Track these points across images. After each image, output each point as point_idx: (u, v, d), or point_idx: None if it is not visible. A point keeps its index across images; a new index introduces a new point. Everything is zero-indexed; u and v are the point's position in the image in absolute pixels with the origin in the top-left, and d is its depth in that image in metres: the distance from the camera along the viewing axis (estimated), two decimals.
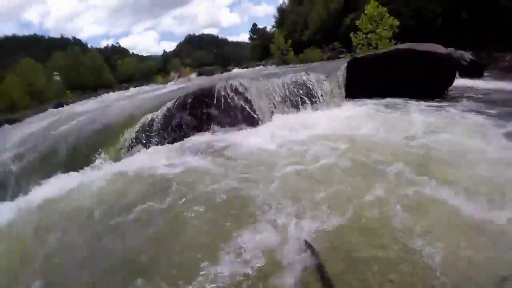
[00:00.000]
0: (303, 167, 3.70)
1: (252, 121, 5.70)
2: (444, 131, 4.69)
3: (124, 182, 3.82)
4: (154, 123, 5.18)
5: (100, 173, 4.21)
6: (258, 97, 6.04)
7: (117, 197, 3.51)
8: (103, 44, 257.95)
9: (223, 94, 5.48)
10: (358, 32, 19.11)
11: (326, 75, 7.12)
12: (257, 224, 2.72)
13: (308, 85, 6.59)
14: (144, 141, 5.03)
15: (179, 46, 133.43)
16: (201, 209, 3.02)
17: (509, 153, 3.75)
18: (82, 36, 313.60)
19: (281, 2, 60.55)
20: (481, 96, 7.38)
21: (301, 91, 6.55)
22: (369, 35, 18.56)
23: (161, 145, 5.07)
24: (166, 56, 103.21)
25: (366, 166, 3.61)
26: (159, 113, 5.29)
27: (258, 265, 2.29)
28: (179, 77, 32.89)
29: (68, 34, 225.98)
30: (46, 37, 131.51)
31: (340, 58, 22.21)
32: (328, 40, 33.95)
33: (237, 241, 2.54)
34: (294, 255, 2.33)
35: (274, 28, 54.17)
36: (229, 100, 5.59)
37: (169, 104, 5.40)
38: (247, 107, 5.76)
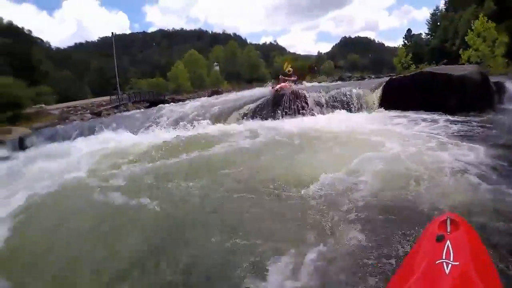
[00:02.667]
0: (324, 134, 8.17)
1: (305, 114, 12.00)
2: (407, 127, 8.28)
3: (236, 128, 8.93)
4: (252, 109, 10.85)
5: (230, 126, 9.31)
6: (312, 102, 12.08)
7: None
8: (262, 40, 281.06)
9: (290, 99, 12.09)
10: (468, 49, 20.94)
11: (370, 90, 11.12)
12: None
13: (348, 96, 11.75)
14: (247, 116, 11.17)
15: (334, 48, 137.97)
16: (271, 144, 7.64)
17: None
18: (242, 32, 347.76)
19: (441, 5, 58.28)
20: None
21: (342, 100, 11.99)
22: (477, 52, 20.25)
23: (253, 120, 11.33)
24: (320, 57, 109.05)
25: (350, 136, 7.71)
26: (253, 105, 11.90)
27: None
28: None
29: (229, 30, 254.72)
30: (210, 32, 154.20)
31: None
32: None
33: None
34: None
35: (428, 36, 53.51)
36: (292, 102, 12.00)
37: (261, 100, 11.19)
38: (305, 107, 12.01)
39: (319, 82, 41.68)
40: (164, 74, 61.39)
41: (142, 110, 25.90)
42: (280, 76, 14.14)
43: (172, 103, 29.25)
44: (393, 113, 10.64)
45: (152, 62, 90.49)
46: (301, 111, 12.07)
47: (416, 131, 8.03)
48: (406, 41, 71.91)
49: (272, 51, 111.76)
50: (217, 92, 44.48)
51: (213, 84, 60.80)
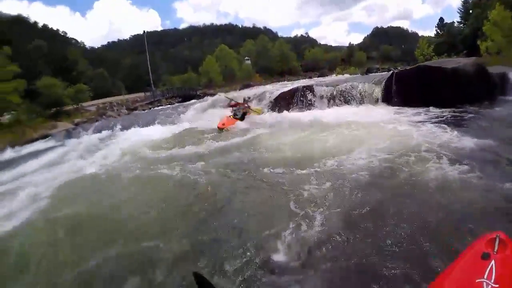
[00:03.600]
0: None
1: (311, 107, 13.37)
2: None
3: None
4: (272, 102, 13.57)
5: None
6: (319, 97, 13.47)
7: None
8: (293, 33, 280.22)
9: (301, 93, 13.53)
10: (486, 39, 21.09)
11: (374, 84, 12.78)
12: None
13: (352, 91, 13.07)
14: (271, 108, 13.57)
15: (366, 39, 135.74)
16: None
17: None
18: (273, 25, 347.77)
19: None
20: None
21: (347, 95, 13.11)
22: (494, 42, 20.39)
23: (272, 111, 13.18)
24: (351, 48, 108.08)
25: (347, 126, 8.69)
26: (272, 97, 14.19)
27: None
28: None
29: (260, 24, 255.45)
30: (240, 26, 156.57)
31: None
32: None
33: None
34: None
35: (461, 24, 51.69)
36: (302, 97, 13.51)
37: (276, 93, 14.05)
38: (312, 100, 13.41)
39: (350, 74, 42.04)
40: (196, 69, 62.95)
41: (175, 104, 27.28)
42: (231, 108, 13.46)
43: (204, 97, 30.77)
44: (391, 108, 11.60)
45: (183, 58, 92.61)
46: (308, 106, 13.59)
47: (407, 128, 8.48)
48: (438, 30, 69.85)
49: (303, 44, 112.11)
50: (248, 86, 45.72)
51: (244, 78, 62.05)
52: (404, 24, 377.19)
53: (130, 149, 9.37)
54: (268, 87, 21.64)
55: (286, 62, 78.38)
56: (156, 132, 12.50)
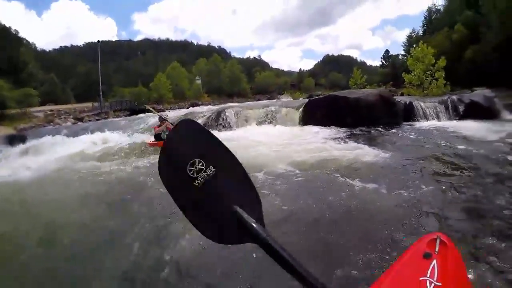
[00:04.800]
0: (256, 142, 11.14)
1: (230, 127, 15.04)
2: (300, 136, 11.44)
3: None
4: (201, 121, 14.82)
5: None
6: (237, 117, 15.47)
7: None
8: (247, 54, 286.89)
9: (227, 115, 15.46)
10: (410, 73, 23.81)
11: (295, 108, 15.23)
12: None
13: (274, 113, 15.27)
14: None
15: (316, 66, 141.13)
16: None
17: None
18: (228, 45, 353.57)
19: (418, 28, 60.65)
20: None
21: (269, 116, 15.21)
22: (420, 75, 22.94)
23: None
24: (301, 74, 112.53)
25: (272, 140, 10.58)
26: (203, 119, 15.65)
27: None
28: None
29: (216, 43, 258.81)
30: (195, 43, 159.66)
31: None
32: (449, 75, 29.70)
33: None
34: None
35: (405, 57, 55.87)
36: (227, 118, 15.42)
37: (208, 114, 15.94)
38: (230, 121, 15.26)
39: (293, 98, 44.87)
40: (148, 83, 63.47)
41: (121, 118, 27.98)
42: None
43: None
44: (307, 127, 13.56)
45: (136, 71, 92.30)
46: (229, 126, 15.26)
47: (315, 138, 10.94)
48: (384, 61, 74.37)
49: (254, 66, 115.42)
50: (196, 104, 47.36)
51: (194, 97, 63.51)
52: (354, 54, 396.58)
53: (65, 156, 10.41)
54: (206, 108, 23.44)
55: (236, 84, 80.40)
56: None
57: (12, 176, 8.23)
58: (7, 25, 60.65)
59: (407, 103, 14.81)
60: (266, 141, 10.55)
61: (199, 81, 74.75)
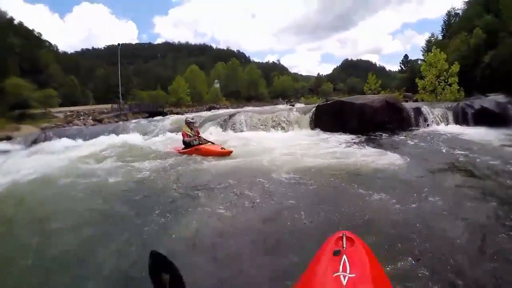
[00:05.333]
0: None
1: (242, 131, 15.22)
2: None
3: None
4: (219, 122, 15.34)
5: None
6: (252, 124, 15.55)
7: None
8: (267, 58, 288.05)
9: (238, 119, 15.49)
10: (423, 79, 23.69)
11: (303, 114, 15.40)
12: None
13: (284, 118, 15.37)
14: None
15: (335, 70, 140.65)
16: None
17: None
18: (247, 49, 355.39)
19: (438, 32, 59.99)
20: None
21: (278, 120, 15.38)
22: (432, 81, 22.87)
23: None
24: (320, 79, 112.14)
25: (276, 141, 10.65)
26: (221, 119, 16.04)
27: None
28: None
29: (235, 47, 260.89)
30: (214, 47, 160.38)
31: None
32: (465, 80, 29.68)
33: None
34: None
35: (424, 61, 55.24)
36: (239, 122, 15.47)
37: (225, 117, 16.05)
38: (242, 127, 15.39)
39: (305, 104, 44.75)
40: (166, 86, 64.12)
41: (140, 120, 28.08)
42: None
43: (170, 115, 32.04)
44: (315, 132, 13.93)
45: (155, 74, 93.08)
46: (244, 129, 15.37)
47: (318, 143, 11.16)
48: (402, 66, 73.63)
49: (273, 70, 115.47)
50: (214, 108, 47.52)
51: (212, 100, 63.74)
52: (374, 58, 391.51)
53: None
54: (223, 111, 23.67)
55: (254, 88, 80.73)
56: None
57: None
58: (30, 28, 62.43)
59: (415, 108, 14.78)
60: (273, 146, 10.53)
61: (217, 85, 75.24)
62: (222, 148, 9.29)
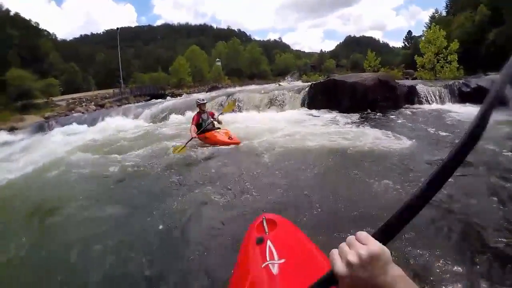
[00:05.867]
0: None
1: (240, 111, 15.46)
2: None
3: None
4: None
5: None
6: (248, 102, 15.81)
7: None
8: (268, 36, 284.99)
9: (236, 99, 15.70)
10: (423, 56, 23.12)
11: (298, 92, 15.54)
12: None
13: (281, 97, 15.55)
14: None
15: (338, 47, 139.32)
16: None
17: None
18: (248, 28, 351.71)
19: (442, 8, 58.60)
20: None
21: (276, 100, 15.52)
22: (431, 58, 22.25)
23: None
24: (322, 55, 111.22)
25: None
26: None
27: None
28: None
29: (236, 26, 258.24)
30: (215, 27, 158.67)
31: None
32: (469, 58, 29.87)
33: None
34: None
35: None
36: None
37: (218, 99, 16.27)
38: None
39: (314, 80, 44.56)
40: (167, 68, 64.03)
41: (141, 103, 28.52)
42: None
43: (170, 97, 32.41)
44: (309, 111, 13.86)
45: (156, 56, 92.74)
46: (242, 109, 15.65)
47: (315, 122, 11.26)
48: (406, 43, 72.64)
49: (275, 48, 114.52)
50: (216, 88, 47.42)
51: (214, 79, 63.61)
52: (377, 35, 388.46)
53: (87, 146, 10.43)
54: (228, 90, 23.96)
55: (256, 66, 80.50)
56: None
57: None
58: (27, 18, 62.39)
59: (409, 86, 14.66)
60: (268, 126, 10.42)
61: (219, 63, 74.94)
62: (230, 138, 8.25)
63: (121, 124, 15.31)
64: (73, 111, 29.82)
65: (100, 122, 16.56)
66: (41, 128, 18.92)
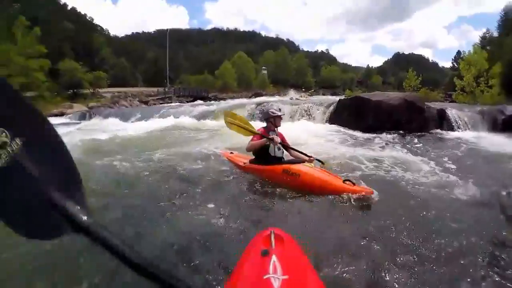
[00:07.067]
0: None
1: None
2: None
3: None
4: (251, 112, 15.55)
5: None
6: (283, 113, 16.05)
7: None
8: (316, 47, 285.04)
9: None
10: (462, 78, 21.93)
11: (327, 107, 15.46)
12: None
13: (309, 111, 15.67)
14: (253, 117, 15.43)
15: (386, 63, 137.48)
16: None
17: None
18: (297, 37, 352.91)
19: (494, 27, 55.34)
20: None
21: (304, 112, 15.64)
22: (469, 81, 21.15)
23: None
24: (369, 71, 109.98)
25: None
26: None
27: None
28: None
29: (285, 35, 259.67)
30: (263, 35, 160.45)
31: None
32: None
33: None
34: None
35: None
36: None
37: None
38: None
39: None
40: (213, 71, 65.26)
41: (184, 103, 29.27)
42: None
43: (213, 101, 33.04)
44: (329, 125, 13.89)
45: (204, 59, 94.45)
46: None
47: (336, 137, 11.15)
48: (455, 63, 70.34)
49: (322, 60, 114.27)
50: (260, 94, 47.96)
51: (259, 86, 64.24)
52: (427, 53, 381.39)
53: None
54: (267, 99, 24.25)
55: (301, 76, 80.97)
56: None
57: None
58: (83, 13, 65.65)
59: (440, 110, 13.64)
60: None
61: (265, 72, 75.61)
62: (347, 181, 4.57)
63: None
64: (117, 104, 31.07)
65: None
66: (83, 116, 21.24)
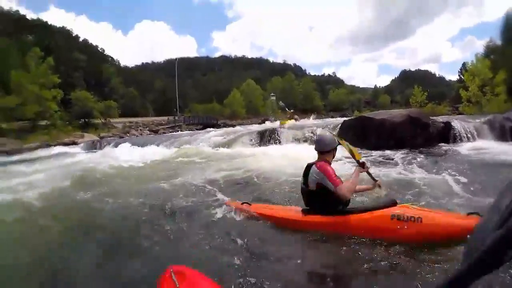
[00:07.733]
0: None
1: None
2: None
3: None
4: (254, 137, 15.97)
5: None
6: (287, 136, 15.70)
7: None
8: (323, 71, 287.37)
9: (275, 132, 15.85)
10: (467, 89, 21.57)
11: (332, 128, 15.33)
12: None
13: (314, 133, 15.04)
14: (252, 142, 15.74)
15: (393, 82, 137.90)
16: None
17: None
18: (304, 62, 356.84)
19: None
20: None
21: (310, 135, 15.10)
22: (475, 91, 20.92)
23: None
24: (377, 91, 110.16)
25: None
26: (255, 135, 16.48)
27: None
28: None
29: (291, 60, 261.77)
30: (271, 61, 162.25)
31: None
32: None
33: None
34: None
35: None
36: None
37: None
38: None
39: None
40: (221, 99, 66.37)
41: (194, 131, 29.45)
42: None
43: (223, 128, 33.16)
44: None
45: (212, 87, 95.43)
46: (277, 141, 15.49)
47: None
48: (461, 75, 69.99)
49: (329, 83, 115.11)
50: (269, 120, 48.03)
51: (268, 112, 64.65)
52: (433, 68, 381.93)
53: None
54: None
55: (309, 101, 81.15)
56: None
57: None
58: (94, 44, 67.36)
59: (446, 123, 13.36)
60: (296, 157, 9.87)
61: (273, 98, 75.89)
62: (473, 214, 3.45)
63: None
64: (128, 134, 31.39)
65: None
66: (93, 146, 21.35)
